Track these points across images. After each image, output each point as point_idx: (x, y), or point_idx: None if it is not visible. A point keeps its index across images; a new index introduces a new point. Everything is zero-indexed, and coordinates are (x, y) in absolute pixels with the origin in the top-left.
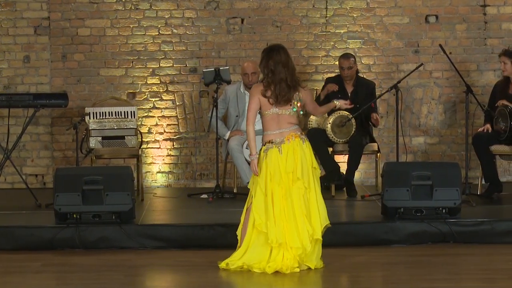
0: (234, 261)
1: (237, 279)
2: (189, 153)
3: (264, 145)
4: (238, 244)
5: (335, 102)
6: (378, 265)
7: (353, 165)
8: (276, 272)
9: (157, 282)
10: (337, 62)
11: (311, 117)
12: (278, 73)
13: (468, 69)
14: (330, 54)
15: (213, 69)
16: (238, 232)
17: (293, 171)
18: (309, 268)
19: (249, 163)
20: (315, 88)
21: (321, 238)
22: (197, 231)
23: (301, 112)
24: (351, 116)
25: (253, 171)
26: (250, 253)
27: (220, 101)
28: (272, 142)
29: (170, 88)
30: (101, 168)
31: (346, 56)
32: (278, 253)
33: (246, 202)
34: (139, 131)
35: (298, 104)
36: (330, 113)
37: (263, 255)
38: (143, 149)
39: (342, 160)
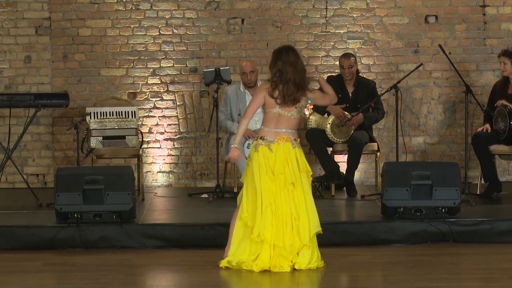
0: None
1: (237, 278)
2: (190, 152)
3: (256, 140)
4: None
5: None
6: (377, 264)
7: (352, 164)
8: (270, 272)
9: (158, 281)
10: (337, 62)
11: (311, 117)
12: (286, 73)
13: (467, 69)
14: (330, 54)
15: (213, 69)
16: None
17: (284, 174)
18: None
19: None
20: (315, 88)
21: (308, 244)
22: (198, 231)
23: (307, 114)
24: (351, 116)
25: (231, 157)
26: (236, 249)
27: (223, 103)
28: (263, 139)
29: (171, 88)
30: (102, 168)
31: (346, 56)
32: (264, 251)
33: (238, 198)
34: (139, 131)
35: (311, 107)
36: (329, 113)
37: (249, 251)
38: (144, 149)
39: (342, 160)
